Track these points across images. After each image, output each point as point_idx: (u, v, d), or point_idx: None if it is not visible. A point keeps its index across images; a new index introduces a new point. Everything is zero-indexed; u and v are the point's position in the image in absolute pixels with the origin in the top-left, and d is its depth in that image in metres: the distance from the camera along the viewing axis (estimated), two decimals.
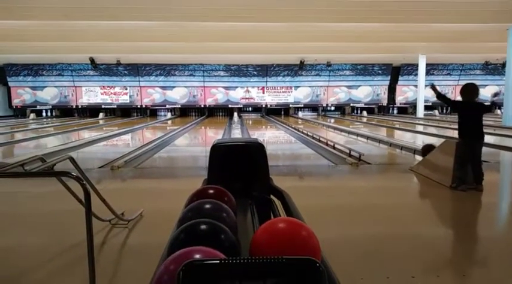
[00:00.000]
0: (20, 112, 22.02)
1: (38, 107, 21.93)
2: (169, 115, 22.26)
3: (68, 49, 16.37)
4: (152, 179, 5.74)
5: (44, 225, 3.43)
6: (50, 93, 21.75)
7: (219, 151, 2.64)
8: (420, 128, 14.17)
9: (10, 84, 21.45)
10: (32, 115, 21.70)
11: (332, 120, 18.88)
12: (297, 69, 21.94)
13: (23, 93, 21.66)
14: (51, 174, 2.16)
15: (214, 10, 10.22)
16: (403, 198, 4.54)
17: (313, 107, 23.41)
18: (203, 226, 1.36)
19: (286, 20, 11.37)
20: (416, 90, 20.85)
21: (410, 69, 22.07)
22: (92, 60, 19.83)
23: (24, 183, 4.85)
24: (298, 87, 22.68)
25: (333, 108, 23.67)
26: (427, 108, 20.87)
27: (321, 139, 9.82)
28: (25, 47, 15.73)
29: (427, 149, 5.72)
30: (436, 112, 22.75)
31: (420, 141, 10.17)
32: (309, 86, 22.68)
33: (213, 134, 14.10)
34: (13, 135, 13.37)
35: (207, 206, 1.59)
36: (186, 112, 22.86)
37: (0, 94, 21.72)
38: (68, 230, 3.14)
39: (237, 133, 12.70)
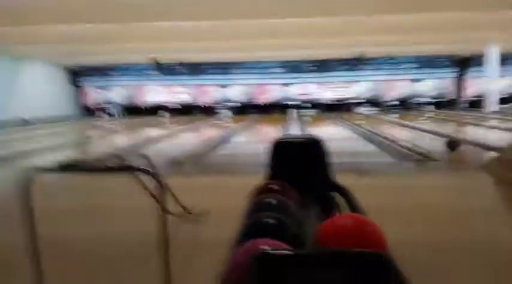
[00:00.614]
0: (91, 112, 23.76)
1: (107, 107, 23.51)
2: (227, 112, 22.74)
3: (133, 50, 17.29)
4: (215, 174, 5.91)
5: (120, 218, 3.69)
6: (117, 93, 23.23)
7: (280, 148, 2.67)
8: (494, 123, 13.19)
9: (81, 85, 23.27)
10: (102, 115, 23.28)
11: (395, 115, 18.17)
12: (356, 63, 21.38)
13: (92, 93, 23.37)
14: (129, 169, 2.31)
15: (269, 6, 10.25)
16: (473, 198, 4.28)
17: (374, 102, 22.68)
18: (269, 220, 1.40)
19: (344, 13, 11.11)
20: (489, 82, 19.40)
21: (481, 60, 20.54)
22: (155, 61, 20.83)
23: (100, 178, 5.21)
24: (358, 81, 22.09)
25: (395, 103, 22.74)
26: (502, 101, 19.34)
27: (384, 135, 9.50)
28: (94, 50, 16.87)
29: (453, 144, 5.29)
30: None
31: (494, 136, 9.47)
32: (370, 80, 22.01)
33: (271, 131, 14.18)
34: (86, 133, 14.42)
35: (272, 201, 1.63)
36: (243, 109, 23.22)
37: (72, 96, 23.55)
38: (141, 223, 3.35)
39: (295, 130, 12.67)
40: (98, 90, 23.33)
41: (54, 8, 9.62)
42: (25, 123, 17.42)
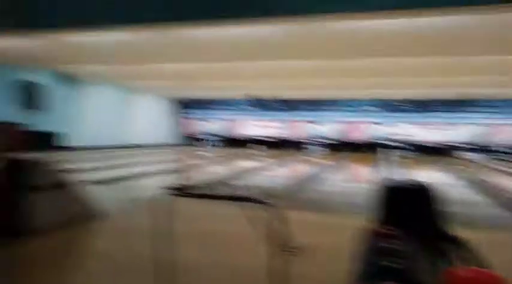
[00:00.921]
0: (193, 140, 25.52)
1: (206, 137, 25.13)
2: (319, 149, 22.67)
3: (232, 87, 18.40)
4: (312, 211, 5.90)
5: (225, 245, 3.89)
6: (216, 125, 24.90)
7: (389, 192, 2.64)
8: None
9: (185, 116, 25.36)
10: (202, 144, 24.89)
11: (504, 164, 16.46)
12: (458, 104, 20.04)
13: (195, 124, 25.32)
14: (245, 199, 2.48)
15: (373, 48, 10.23)
16: None
17: (477, 148, 20.83)
18: (393, 264, 1.41)
19: (446, 53, 10.63)
20: None
21: None
22: (251, 96, 21.85)
23: (210, 204, 5.54)
24: (459, 124, 20.61)
25: (505, 150, 20.60)
26: None
27: (492, 185, 8.67)
28: (199, 85, 18.33)
29: None
30: None
31: None
32: (473, 123, 20.40)
33: (364, 171, 13.79)
34: (190, 161, 15.45)
35: (396, 246, 1.64)
36: (335, 146, 22.96)
37: (177, 125, 25.75)
38: (243, 252, 3.49)
39: (392, 171, 12.17)
40: (199, 122, 25.20)
41: (162, 49, 10.76)
42: (136, 147, 19.38)
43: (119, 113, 20.06)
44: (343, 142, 22.39)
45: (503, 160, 18.44)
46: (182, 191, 6.88)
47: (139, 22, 7.69)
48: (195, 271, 3.21)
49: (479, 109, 20.30)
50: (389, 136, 21.62)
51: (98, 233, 4.55)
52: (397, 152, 21.52)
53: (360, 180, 11.54)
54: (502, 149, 20.50)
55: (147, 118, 22.41)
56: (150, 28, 8.11)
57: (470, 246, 2.14)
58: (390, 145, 21.68)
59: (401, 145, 21.92)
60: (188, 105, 25.28)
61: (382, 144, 21.63)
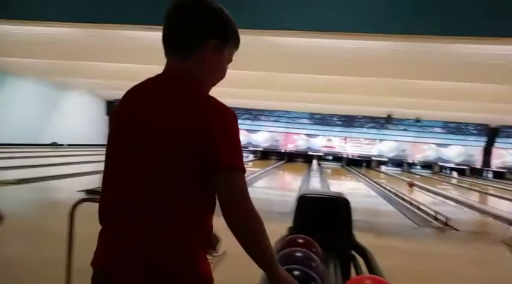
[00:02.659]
0: None
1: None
2: (251, 157, 23.01)
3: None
4: None
5: None
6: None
7: (305, 202, 2.80)
8: None
9: None
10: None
11: (418, 178, 17.97)
12: (383, 122, 21.55)
13: None
14: None
15: (305, 64, 10.68)
16: (494, 273, 4.22)
17: (397, 162, 22.54)
18: (296, 273, 1.52)
19: (373, 75, 11.44)
20: None
21: (511, 131, 20.40)
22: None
23: None
24: (383, 140, 22.15)
25: (419, 166, 22.52)
26: None
27: (404, 197, 9.45)
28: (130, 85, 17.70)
29: None
30: None
31: None
32: (395, 140, 22.03)
33: (291, 180, 14.25)
34: None
35: (298, 254, 1.76)
36: (267, 155, 23.44)
37: (107, 126, 24.54)
38: None
39: (315, 181, 12.71)
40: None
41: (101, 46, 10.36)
42: (59, 146, 18.17)
43: (47, 110, 18.69)
44: (275, 151, 22.96)
45: (417, 174, 20.14)
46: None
47: (77, 20, 7.30)
48: None
49: (401, 127, 21.96)
50: (320, 148, 22.57)
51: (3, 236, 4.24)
52: (326, 163, 22.55)
53: (286, 189, 11.91)
54: (417, 165, 22.38)
55: (80, 117, 21.14)
56: (88, 25, 7.72)
57: (373, 256, 2.36)
58: (320, 157, 22.64)
59: (330, 157, 23.02)
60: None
61: (313, 155, 22.50)
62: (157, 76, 1.16)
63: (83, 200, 2.33)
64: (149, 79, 1.18)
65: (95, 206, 1.15)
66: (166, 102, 1.09)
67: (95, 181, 8.08)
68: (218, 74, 1.19)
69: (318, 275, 1.59)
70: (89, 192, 6.43)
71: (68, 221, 2.18)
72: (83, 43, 9.72)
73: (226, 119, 1.06)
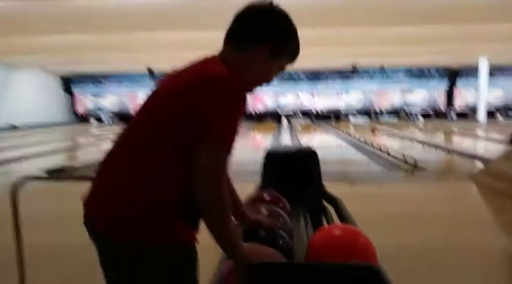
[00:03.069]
0: (83, 119, 23.57)
1: (100, 114, 23.40)
2: None
3: (127, 60, 17.28)
4: None
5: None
6: (110, 101, 23.15)
7: (272, 158, 2.69)
8: (482, 134, 13.39)
9: (74, 91, 23.20)
10: (95, 122, 23.14)
11: (385, 126, 18.34)
12: (349, 73, 21.59)
13: (86, 101, 23.31)
14: None
15: None
16: (462, 208, 4.34)
17: (365, 112, 22.85)
18: (262, 230, 1.41)
19: (338, 24, 11.25)
20: (477, 94, 19.69)
21: (471, 71, 20.86)
22: (149, 70, 20.71)
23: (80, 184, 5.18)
24: (350, 91, 22.29)
25: (386, 113, 22.93)
26: (489, 113, 19.65)
27: (374, 144, 9.59)
28: (89, 59, 16.83)
29: None
30: (500, 117, 21.35)
31: (481, 147, 9.62)
32: (361, 91, 22.22)
33: (262, 139, 14.23)
34: (78, 140, 14.32)
35: (264, 210, 1.65)
36: None
37: (66, 103, 23.45)
38: None
39: (286, 139, 12.72)
40: (92, 98, 23.26)
41: (46, 18, 9.60)
42: (15, 128, 17.27)
43: None
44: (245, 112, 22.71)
45: (385, 122, 20.55)
46: (60, 173, 6.37)
47: None
48: (72, 252, 3.00)
49: (366, 77, 22.08)
50: (289, 106, 22.51)
51: None
52: (296, 120, 22.61)
53: (257, 148, 11.88)
54: (384, 113, 22.77)
55: (29, 96, 20.01)
56: None
57: (343, 204, 2.29)
58: (290, 114, 22.64)
59: (300, 113, 23.06)
60: (80, 80, 23.04)
61: (282, 113, 22.45)
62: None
63: (25, 179, 2.12)
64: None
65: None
66: (185, 72, 1.12)
67: (56, 161, 7.73)
68: (263, 77, 1.20)
69: (286, 231, 1.49)
70: (50, 172, 6.13)
71: (10, 202, 1.98)
72: (24, 15, 9.00)
73: (224, 90, 1.03)
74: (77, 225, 3.79)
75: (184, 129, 1.03)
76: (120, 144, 1.15)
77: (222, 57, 1.14)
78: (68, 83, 23.11)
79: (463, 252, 2.94)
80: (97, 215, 1.11)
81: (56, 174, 6.00)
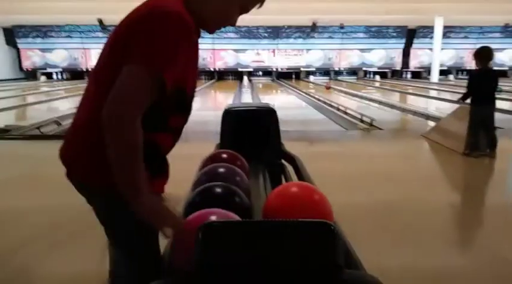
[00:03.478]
0: (31, 74, 22.06)
1: (48, 70, 21.94)
2: None
3: (75, 10, 16.08)
4: None
5: (61, 188, 3.53)
6: (59, 56, 21.68)
7: (230, 116, 2.63)
8: (434, 93, 13.92)
9: (19, 46, 21.39)
10: (43, 78, 21.76)
11: (344, 85, 18.61)
12: (309, 31, 21.41)
13: (32, 55, 21.62)
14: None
15: None
16: (414, 164, 4.55)
17: (325, 71, 22.99)
18: (218, 189, 1.39)
19: None
20: (431, 54, 20.26)
21: (426, 31, 21.30)
22: (100, 21, 19.49)
23: (40, 145, 4.94)
24: (310, 50, 22.22)
25: (345, 72, 23.20)
26: (442, 72, 20.38)
27: (333, 104, 9.73)
28: (33, 8, 15.48)
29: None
30: (451, 76, 22.22)
31: (434, 106, 10.01)
32: (321, 49, 22.20)
33: (223, 98, 14.05)
34: (25, 97, 13.49)
35: (221, 170, 1.62)
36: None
37: (10, 57, 21.70)
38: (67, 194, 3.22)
39: (247, 98, 12.64)
40: (41, 52, 21.61)
41: None
42: None
43: None
44: (204, 70, 22.19)
45: (343, 81, 20.85)
46: (8, 133, 6.03)
47: None
48: (15, 217, 2.88)
49: (326, 35, 21.99)
50: (249, 64, 22.18)
51: None
52: (257, 79, 22.42)
53: (218, 108, 11.74)
54: (343, 72, 23.03)
55: None
56: None
57: (302, 163, 2.30)
58: (250, 72, 22.36)
59: (260, 72, 22.83)
60: (25, 33, 21.18)
61: (242, 71, 22.13)
62: None
63: None
64: None
65: None
66: (140, 6, 1.06)
67: (3, 119, 7.26)
68: (224, 15, 1.13)
69: (243, 189, 1.47)
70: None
71: None
72: None
73: (160, 19, 0.97)
74: (18, 188, 3.62)
75: (121, 56, 0.98)
76: (85, 91, 1.15)
77: None
78: (12, 36, 21.26)
79: (414, 208, 3.09)
80: (65, 163, 1.13)
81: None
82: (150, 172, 1.05)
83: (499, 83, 4.54)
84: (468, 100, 4.61)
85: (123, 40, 1.01)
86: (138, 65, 0.95)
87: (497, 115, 4.64)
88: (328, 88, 15.15)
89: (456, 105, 5.06)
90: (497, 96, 4.54)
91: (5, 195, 3.40)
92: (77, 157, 1.11)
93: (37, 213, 2.98)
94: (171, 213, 1.03)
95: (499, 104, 4.70)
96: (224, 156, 1.87)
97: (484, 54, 4.48)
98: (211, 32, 1.16)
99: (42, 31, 21.04)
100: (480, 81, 4.50)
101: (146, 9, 1.02)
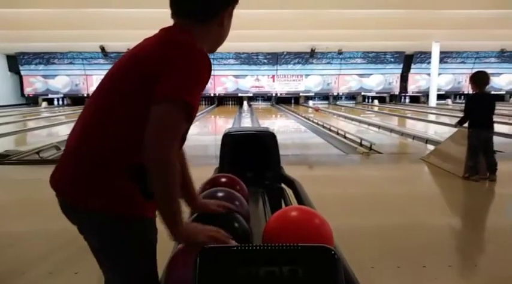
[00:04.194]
0: (32, 100, 22.26)
1: (50, 95, 22.14)
2: None
3: (78, 37, 16.38)
4: None
5: (60, 212, 3.50)
6: (61, 82, 21.92)
7: (230, 140, 2.64)
8: (432, 117, 14.00)
9: (22, 72, 21.66)
10: (44, 104, 21.92)
11: (343, 109, 18.74)
12: (308, 57, 21.74)
13: (34, 81, 21.86)
14: None
15: None
16: (414, 188, 4.52)
17: (324, 96, 23.20)
18: (217, 214, 1.37)
19: (297, 6, 11.23)
20: (429, 79, 20.52)
21: (424, 57, 21.64)
22: (102, 48, 19.84)
23: (39, 169, 4.93)
24: (309, 75, 22.49)
25: (344, 97, 23.40)
26: (439, 97, 20.57)
27: (332, 128, 9.77)
28: (36, 36, 15.78)
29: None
30: (449, 101, 22.41)
31: (432, 130, 10.05)
32: (320, 74, 22.48)
33: (223, 123, 14.12)
34: (26, 123, 13.55)
35: (220, 194, 1.60)
36: None
37: (13, 83, 21.95)
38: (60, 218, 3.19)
39: (247, 122, 12.70)
40: (40, 78, 21.84)
41: None
42: None
43: None
44: (204, 96, 22.36)
45: (342, 106, 21.01)
46: (6, 158, 6.02)
47: None
48: (14, 241, 2.84)
49: (324, 61, 22.30)
50: (249, 89, 22.40)
51: None
52: (256, 104, 22.59)
53: (218, 132, 11.79)
54: (342, 97, 23.22)
55: None
56: None
57: (301, 186, 2.29)
58: (250, 97, 22.55)
59: (260, 97, 23.03)
60: (28, 60, 21.41)
61: (242, 96, 22.32)
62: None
63: None
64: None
65: None
66: (147, 41, 1.14)
67: (3, 144, 7.27)
68: (224, 36, 1.24)
69: (242, 214, 1.46)
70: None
71: None
72: None
73: (187, 54, 1.04)
74: (16, 213, 3.58)
75: (143, 89, 1.02)
76: (80, 116, 1.16)
77: (183, 30, 1.14)
78: (15, 62, 21.55)
79: (415, 232, 3.05)
80: (58, 186, 1.12)
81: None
82: (145, 196, 1.07)
83: (497, 107, 4.58)
84: (466, 124, 4.63)
85: (142, 73, 1.05)
86: (174, 104, 0.99)
87: (497, 139, 4.65)
88: (317, 110, 15.51)
89: (455, 129, 5.07)
90: (495, 119, 4.57)
91: (3, 219, 3.37)
92: (75, 181, 1.09)
93: (35, 237, 2.95)
94: (201, 227, 1.10)
95: (498, 128, 4.71)
96: (223, 180, 1.86)
97: (480, 79, 4.53)
98: (212, 52, 1.25)
99: (45, 58, 21.35)
100: (477, 105, 4.54)
101: (168, 44, 1.07)
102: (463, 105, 4.87)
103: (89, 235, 1.14)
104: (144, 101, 1.01)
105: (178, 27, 1.16)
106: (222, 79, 22.11)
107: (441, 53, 19.50)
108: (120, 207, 1.05)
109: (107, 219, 1.04)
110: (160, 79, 1.00)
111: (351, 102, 23.19)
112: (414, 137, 8.40)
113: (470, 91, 4.87)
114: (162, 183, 1.00)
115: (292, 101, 23.07)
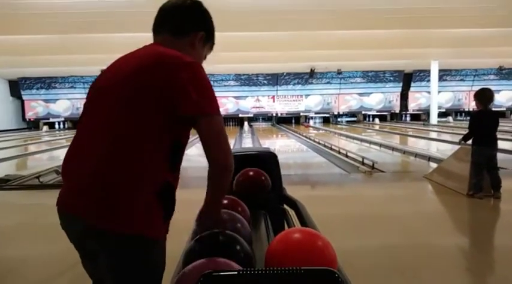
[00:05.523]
0: (34, 124, 22.37)
1: (51, 119, 22.27)
2: None
3: (79, 62, 16.61)
4: None
5: (61, 236, 3.45)
6: (62, 106, 22.08)
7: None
8: (434, 135, 13.99)
9: (24, 97, 21.89)
10: (45, 128, 22.02)
11: (344, 128, 18.77)
12: (308, 77, 21.93)
13: (36, 106, 22.05)
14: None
15: (225, 21, 10.28)
16: (418, 207, 4.46)
17: (324, 115, 23.30)
18: (218, 237, 1.34)
19: (296, 28, 11.39)
20: (429, 97, 20.62)
21: (423, 75, 21.81)
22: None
23: (39, 194, 4.91)
24: (309, 95, 22.64)
25: (344, 116, 23.50)
26: (440, 114, 20.62)
27: (333, 147, 9.75)
28: (38, 61, 16.01)
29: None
30: (450, 118, 22.45)
31: (434, 148, 10.02)
32: (320, 94, 22.63)
33: None
34: (27, 147, 13.57)
35: (223, 216, 1.58)
36: None
37: (14, 108, 22.14)
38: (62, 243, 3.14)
39: (248, 143, 12.70)
40: (42, 102, 22.04)
41: None
42: None
43: None
44: None
45: (343, 125, 21.05)
46: (7, 183, 5.99)
47: None
48: (15, 266, 2.80)
49: (324, 80, 22.49)
50: (250, 110, 22.52)
51: None
52: (257, 124, 22.67)
53: None
54: (342, 116, 23.32)
55: None
56: None
57: (304, 207, 2.25)
58: (250, 118, 22.65)
59: (260, 117, 23.14)
60: (30, 85, 21.65)
61: (242, 117, 22.42)
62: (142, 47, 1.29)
63: None
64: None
65: None
66: (138, 56, 1.22)
67: (4, 169, 7.26)
68: (198, 61, 1.30)
69: (244, 236, 1.43)
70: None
71: None
72: None
73: (193, 68, 1.16)
74: (17, 238, 3.55)
75: (164, 114, 1.11)
76: (84, 138, 1.19)
77: (159, 44, 1.27)
78: (17, 87, 21.77)
79: (421, 252, 3.00)
80: (82, 212, 1.12)
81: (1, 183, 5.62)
82: (165, 216, 1.16)
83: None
84: (470, 142, 4.62)
85: (156, 97, 1.11)
86: (217, 115, 1.16)
87: (501, 156, 4.62)
88: (306, 126, 15.77)
89: (457, 146, 5.05)
90: (498, 136, 4.55)
91: (3, 244, 3.33)
92: (104, 206, 1.09)
93: (37, 261, 2.90)
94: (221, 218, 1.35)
95: (501, 144, 4.69)
96: (224, 202, 1.83)
97: (484, 96, 4.54)
98: None
99: (46, 82, 21.59)
100: (481, 122, 4.53)
101: (174, 60, 1.16)
102: (465, 122, 4.87)
103: (107, 257, 1.13)
104: (164, 123, 1.12)
105: (160, 43, 1.28)
106: (223, 101, 22.24)
107: (440, 70, 19.68)
108: (149, 229, 1.11)
109: (135, 241, 1.09)
110: (180, 99, 1.11)
111: (352, 118, 23.31)
112: (416, 155, 8.37)
113: (471, 109, 4.88)
114: (225, 182, 1.22)
115: (293, 121, 23.15)
